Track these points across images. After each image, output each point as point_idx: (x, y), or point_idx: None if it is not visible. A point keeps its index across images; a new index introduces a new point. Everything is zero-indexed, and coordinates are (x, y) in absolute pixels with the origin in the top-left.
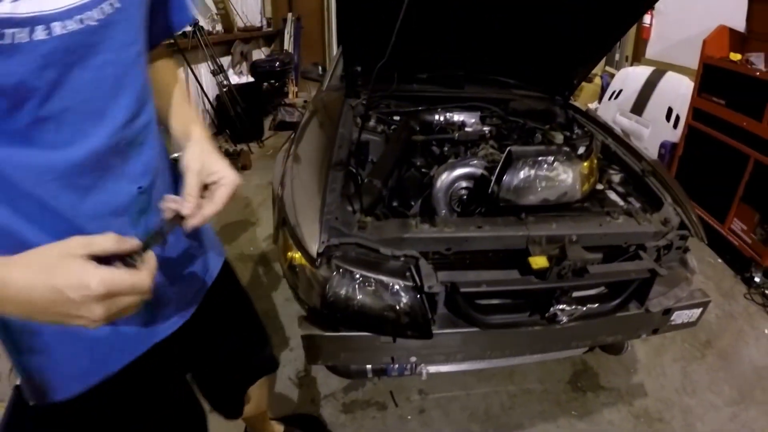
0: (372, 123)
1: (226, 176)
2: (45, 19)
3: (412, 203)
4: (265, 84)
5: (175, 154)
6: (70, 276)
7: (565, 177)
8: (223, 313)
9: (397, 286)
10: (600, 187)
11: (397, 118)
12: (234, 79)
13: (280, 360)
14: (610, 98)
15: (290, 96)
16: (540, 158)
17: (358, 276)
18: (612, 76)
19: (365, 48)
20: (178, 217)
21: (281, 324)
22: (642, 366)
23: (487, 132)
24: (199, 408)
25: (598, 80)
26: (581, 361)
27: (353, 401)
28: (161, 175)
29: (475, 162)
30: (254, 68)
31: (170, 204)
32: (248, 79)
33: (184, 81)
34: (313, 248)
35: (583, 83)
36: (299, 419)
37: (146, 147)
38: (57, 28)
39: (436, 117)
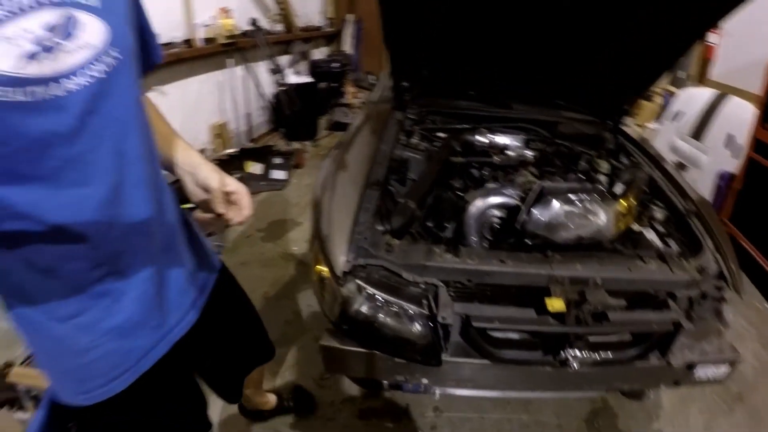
0: (415, 140)
1: (239, 187)
2: (62, 77)
3: (447, 225)
4: (323, 84)
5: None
6: None
7: (597, 217)
8: (226, 308)
9: (412, 312)
10: (636, 228)
11: (441, 135)
12: (292, 79)
13: (308, 359)
14: (670, 119)
15: (348, 97)
16: (572, 196)
17: (378, 298)
18: (673, 95)
19: (413, 64)
20: (216, 217)
21: (312, 324)
22: (664, 413)
23: (530, 156)
24: (202, 396)
25: (658, 99)
26: (601, 400)
27: (370, 408)
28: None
29: (510, 191)
30: (313, 68)
31: (204, 213)
32: (306, 79)
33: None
34: (340, 266)
35: (644, 101)
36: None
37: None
38: (72, 84)
39: (479, 138)
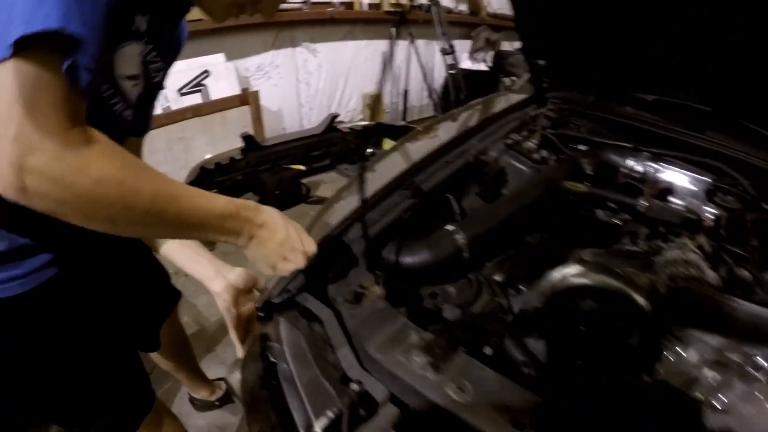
0: (532, 143)
1: None
2: None
3: (522, 288)
4: (506, 78)
5: None
6: (305, 236)
7: None
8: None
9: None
10: None
11: (582, 148)
12: (465, 64)
13: None
14: None
15: None
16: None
17: (284, 368)
18: None
19: (552, 33)
20: None
21: None
22: None
23: (708, 217)
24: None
25: None
26: None
27: None
28: None
29: (629, 274)
30: (498, 57)
31: None
32: (481, 66)
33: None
34: (265, 294)
35: None
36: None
37: None
38: None
39: (630, 163)
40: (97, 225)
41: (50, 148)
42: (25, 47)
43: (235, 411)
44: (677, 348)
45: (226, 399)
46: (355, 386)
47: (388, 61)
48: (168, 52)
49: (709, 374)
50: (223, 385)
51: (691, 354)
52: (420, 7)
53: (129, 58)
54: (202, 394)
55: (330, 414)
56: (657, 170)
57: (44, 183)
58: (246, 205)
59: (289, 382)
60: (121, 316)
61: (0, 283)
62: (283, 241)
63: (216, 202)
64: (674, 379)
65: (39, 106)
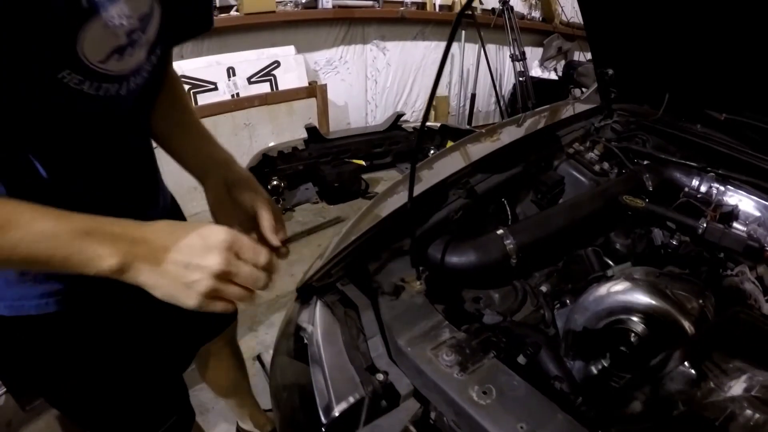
0: (594, 154)
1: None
2: (131, 75)
3: (568, 302)
4: (576, 89)
5: None
6: (206, 227)
7: None
8: None
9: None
10: None
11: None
12: (535, 72)
13: None
14: None
15: None
16: None
17: (314, 350)
18: None
19: (623, 41)
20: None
21: None
22: None
23: None
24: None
25: None
26: None
27: None
28: None
29: (684, 297)
30: (568, 67)
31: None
32: (551, 75)
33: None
34: (308, 273)
35: None
36: None
37: None
38: (133, 83)
39: (694, 182)
40: None
41: None
42: None
43: None
44: (720, 379)
45: None
46: (380, 376)
47: (443, 60)
48: None
49: (748, 413)
50: (273, 421)
51: (735, 388)
52: (492, 11)
53: None
54: (249, 425)
55: (351, 399)
56: (722, 192)
57: None
58: (114, 219)
59: (317, 365)
60: (157, 341)
61: (29, 299)
62: (187, 259)
63: (67, 219)
64: (710, 413)
65: None
